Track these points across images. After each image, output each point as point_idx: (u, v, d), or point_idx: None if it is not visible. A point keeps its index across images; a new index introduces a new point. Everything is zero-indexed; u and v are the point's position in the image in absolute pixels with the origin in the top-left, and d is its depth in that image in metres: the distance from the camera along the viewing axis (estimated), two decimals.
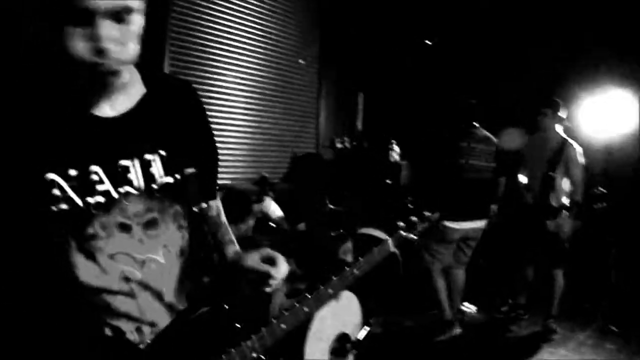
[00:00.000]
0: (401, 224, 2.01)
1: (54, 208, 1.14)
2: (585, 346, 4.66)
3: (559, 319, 4.89)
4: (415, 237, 2.04)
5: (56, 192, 1.14)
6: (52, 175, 1.14)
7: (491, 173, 4.64)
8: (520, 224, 4.93)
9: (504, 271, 5.54)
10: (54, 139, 1.15)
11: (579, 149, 4.73)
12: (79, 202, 1.17)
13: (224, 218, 1.59)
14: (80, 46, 1.09)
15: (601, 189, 4.47)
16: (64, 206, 1.15)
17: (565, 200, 4.70)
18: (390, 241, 1.92)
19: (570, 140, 4.75)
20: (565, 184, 4.75)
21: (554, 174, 4.69)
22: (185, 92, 1.41)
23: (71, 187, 1.16)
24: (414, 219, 2.04)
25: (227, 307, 1.38)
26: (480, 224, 4.64)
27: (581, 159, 4.72)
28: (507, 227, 5.13)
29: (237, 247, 1.58)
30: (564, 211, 4.62)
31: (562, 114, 4.81)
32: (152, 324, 1.27)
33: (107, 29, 1.09)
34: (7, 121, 1.12)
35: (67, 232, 1.16)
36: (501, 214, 4.87)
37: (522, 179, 4.96)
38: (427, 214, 2.09)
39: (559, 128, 4.82)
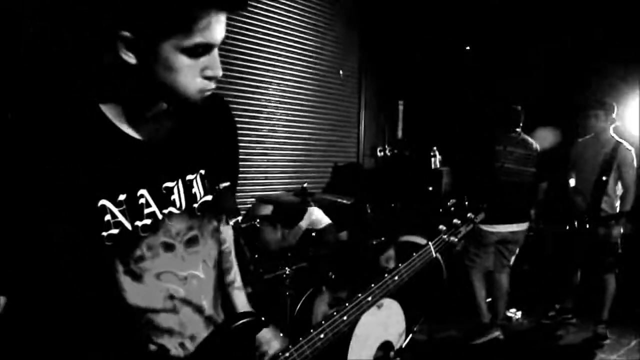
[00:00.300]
0: (442, 227, 1.91)
1: (104, 234, 1.15)
2: (636, 352, 4.55)
3: (609, 325, 4.80)
4: (457, 240, 1.93)
5: (107, 217, 1.15)
6: (103, 202, 1.15)
7: (532, 177, 4.59)
8: (571, 229, 4.82)
9: (550, 276, 5.46)
10: (103, 164, 1.15)
11: (632, 151, 4.62)
12: (128, 226, 1.18)
13: (233, 255, 1.60)
14: (191, 78, 1.14)
15: None
16: (114, 231, 1.16)
17: (617, 204, 4.62)
18: (431, 246, 1.83)
19: (624, 143, 4.64)
20: (617, 188, 4.65)
21: (606, 178, 4.59)
22: (219, 108, 1.43)
23: (121, 212, 1.17)
24: (456, 221, 1.93)
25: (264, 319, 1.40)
26: (518, 227, 4.60)
27: (634, 162, 4.61)
28: (554, 232, 5.07)
29: (245, 298, 1.59)
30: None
31: (614, 115, 4.69)
32: (192, 337, 1.29)
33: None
34: (57, 148, 1.12)
35: (115, 255, 1.17)
36: (542, 219, 4.82)
37: (572, 183, 4.89)
38: (470, 215, 1.98)
39: (611, 130, 4.70)
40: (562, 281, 5.14)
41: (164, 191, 1.25)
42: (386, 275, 1.70)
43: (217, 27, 1.11)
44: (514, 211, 4.54)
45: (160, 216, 1.23)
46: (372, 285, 1.66)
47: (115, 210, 1.16)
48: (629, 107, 5.50)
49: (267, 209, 4.04)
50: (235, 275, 1.57)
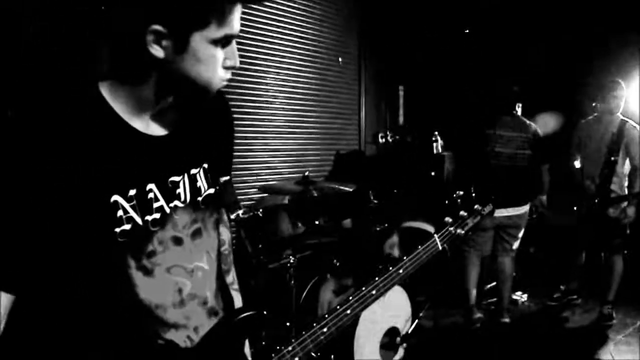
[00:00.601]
0: (449, 219, 1.89)
1: (117, 230, 1.15)
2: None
3: (615, 305, 4.81)
4: (464, 233, 1.91)
5: (120, 213, 1.15)
6: (115, 197, 1.15)
7: (526, 161, 4.49)
8: (580, 211, 4.80)
9: (555, 258, 5.46)
10: (114, 160, 1.16)
11: (638, 129, 4.56)
12: (139, 221, 1.18)
13: (232, 257, 1.59)
14: (215, 68, 1.19)
15: None
16: (126, 227, 1.16)
17: (625, 184, 4.60)
18: (437, 238, 1.82)
19: (629, 121, 4.59)
20: (625, 167, 4.61)
21: (615, 158, 4.55)
22: (218, 102, 1.44)
23: (132, 207, 1.17)
24: (463, 213, 1.92)
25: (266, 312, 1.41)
26: (515, 211, 4.52)
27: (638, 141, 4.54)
28: (561, 214, 5.04)
29: (240, 300, 1.57)
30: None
31: (620, 94, 4.62)
32: (195, 329, 1.30)
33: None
34: (67, 145, 1.11)
35: (127, 251, 1.17)
36: (550, 206, 4.79)
37: (577, 164, 4.84)
38: (477, 207, 1.95)
39: (616, 110, 4.63)
40: (567, 262, 5.14)
41: (170, 185, 1.26)
42: (390, 268, 1.70)
43: (238, 18, 1.18)
44: (508, 195, 4.42)
45: (168, 210, 1.24)
46: (377, 278, 1.65)
47: (127, 206, 1.16)
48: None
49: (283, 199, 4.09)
50: (233, 277, 1.58)
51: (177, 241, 1.26)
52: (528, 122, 4.57)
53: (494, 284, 5.00)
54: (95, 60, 3.00)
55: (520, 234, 4.68)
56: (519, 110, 4.64)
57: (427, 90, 6.44)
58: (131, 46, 1.13)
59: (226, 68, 1.21)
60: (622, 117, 4.62)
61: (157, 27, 1.09)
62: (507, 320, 4.67)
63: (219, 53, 1.18)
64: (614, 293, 4.73)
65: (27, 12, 3.06)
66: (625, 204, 4.54)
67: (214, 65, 1.18)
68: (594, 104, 4.76)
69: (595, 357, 4.15)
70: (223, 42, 1.17)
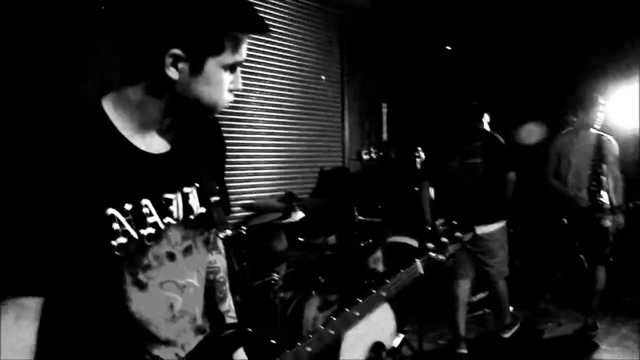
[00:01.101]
0: (430, 245, 1.97)
1: (113, 242, 1.17)
2: (628, 339, 4.62)
3: (600, 314, 4.86)
4: (445, 259, 1.98)
5: (115, 226, 1.18)
6: (111, 210, 1.18)
7: (479, 171, 4.25)
8: (570, 223, 4.80)
9: (537, 269, 5.50)
10: (111, 175, 1.19)
11: (615, 143, 4.65)
12: (135, 234, 1.21)
13: (227, 286, 1.62)
14: (223, 91, 1.28)
15: None
16: (122, 240, 1.19)
17: (612, 197, 4.64)
18: (418, 263, 1.88)
19: (606, 135, 4.66)
20: (609, 180, 4.66)
21: (600, 170, 4.61)
22: (212, 124, 1.52)
23: (127, 221, 1.20)
24: (444, 240, 1.99)
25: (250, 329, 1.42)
26: (485, 229, 4.20)
27: (617, 153, 4.64)
28: (547, 227, 5.06)
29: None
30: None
31: (597, 108, 4.67)
32: (182, 346, 1.32)
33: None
34: (67, 157, 1.14)
35: (124, 265, 1.20)
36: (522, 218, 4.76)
37: (554, 183, 4.83)
38: (458, 235, 2.03)
39: (592, 124, 4.69)
40: (549, 273, 5.19)
41: (164, 202, 1.30)
42: (373, 291, 1.74)
43: (246, 47, 1.28)
44: (469, 215, 3.91)
45: (162, 226, 1.28)
46: (360, 300, 1.69)
47: (123, 219, 1.20)
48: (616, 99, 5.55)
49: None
50: (230, 305, 1.61)
51: (171, 257, 1.30)
52: (487, 130, 4.45)
53: (484, 294, 4.98)
54: (99, 69, 3.03)
55: (501, 253, 4.41)
56: (485, 121, 4.58)
57: (410, 107, 6.50)
58: (149, 66, 1.20)
59: (230, 91, 1.30)
60: (599, 130, 4.70)
61: (177, 51, 1.17)
62: (507, 335, 4.63)
63: (227, 77, 1.27)
64: (597, 303, 4.77)
65: (27, 12, 3.08)
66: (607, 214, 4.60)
67: (222, 88, 1.27)
68: (571, 117, 4.83)
69: None
70: (232, 67, 1.27)
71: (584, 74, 5.83)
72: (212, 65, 1.22)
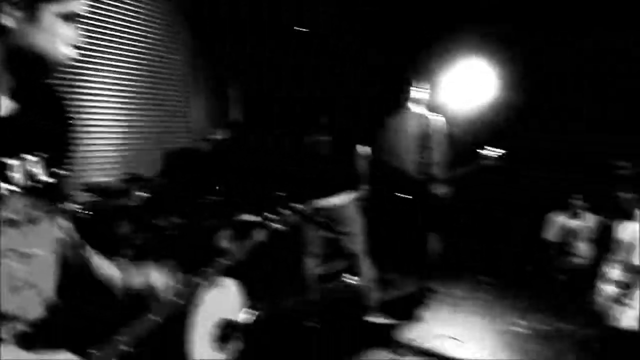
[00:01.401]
0: (270, 215, 2.07)
1: None
2: (463, 300, 5.04)
3: (437, 279, 5.25)
4: (284, 228, 2.08)
5: None
6: None
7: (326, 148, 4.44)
8: (407, 199, 5.02)
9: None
10: None
11: (441, 120, 5.00)
12: None
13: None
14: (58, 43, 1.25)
15: None
16: None
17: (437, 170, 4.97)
18: (258, 232, 1.98)
19: (431, 114, 5.00)
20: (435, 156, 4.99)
21: (429, 146, 4.92)
22: (58, 97, 1.44)
23: None
24: (283, 210, 2.09)
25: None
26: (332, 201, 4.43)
27: (444, 130, 5.00)
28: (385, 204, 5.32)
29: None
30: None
31: (421, 89, 5.02)
32: (28, 321, 1.27)
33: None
34: None
35: None
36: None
37: (403, 154, 5.06)
38: (294, 205, 2.13)
39: (420, 104, 5.03)
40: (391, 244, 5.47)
41: (6, 167, 1.23)
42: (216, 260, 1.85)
43: None
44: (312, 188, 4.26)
45: (4, 192, 1.21)
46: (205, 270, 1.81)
47: None
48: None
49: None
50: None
51: (12, 223, 1.24)
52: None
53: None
54: None
55: (352, 228, 4.53)
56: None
57: (259, 89, 6.54)
58: None
59: (69, 45, 1.28)
60: (424, 110, 5.05)
61: None
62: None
63: (65, 28, 1.25)
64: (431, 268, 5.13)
65: None
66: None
67: (59, 39, 1.25)
68: (401, 98, 5.12)
69: None
70: (69, 17, 1.25)
71: (416, 56, 6.19)
72: (47, 13, 1.21)
